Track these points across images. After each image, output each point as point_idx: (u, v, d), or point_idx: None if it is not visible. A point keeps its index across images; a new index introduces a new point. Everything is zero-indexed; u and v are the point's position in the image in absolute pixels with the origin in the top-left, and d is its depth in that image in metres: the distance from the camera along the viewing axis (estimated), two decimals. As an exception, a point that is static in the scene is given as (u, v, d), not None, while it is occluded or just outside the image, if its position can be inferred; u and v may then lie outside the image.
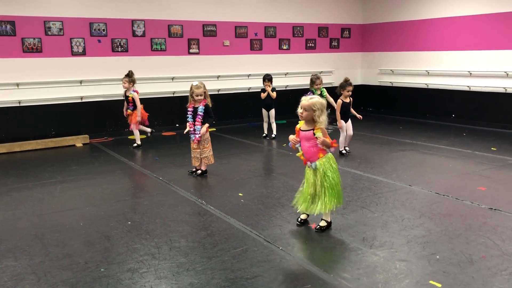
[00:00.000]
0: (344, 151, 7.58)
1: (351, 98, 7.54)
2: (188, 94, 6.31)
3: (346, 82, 7.44)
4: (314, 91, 8.08)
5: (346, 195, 5.54)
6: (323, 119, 4.17)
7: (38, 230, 4.56)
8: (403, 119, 11.53)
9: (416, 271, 3.56)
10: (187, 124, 6.34)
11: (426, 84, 11.37)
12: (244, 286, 3.35)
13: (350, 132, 7.57)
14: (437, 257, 3.79)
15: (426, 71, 11.32)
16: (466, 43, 10.43)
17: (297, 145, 4.39)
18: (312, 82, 8.18)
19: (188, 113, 6.31)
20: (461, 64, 10.58)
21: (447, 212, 4.88)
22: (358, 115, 7.80)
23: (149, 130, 8.76)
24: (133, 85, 8.37)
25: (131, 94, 8.32)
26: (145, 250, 4.02)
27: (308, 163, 4.33)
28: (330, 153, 4.32)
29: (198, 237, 4.29)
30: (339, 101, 7.46)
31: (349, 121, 7.58)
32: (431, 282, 3.38)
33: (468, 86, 10.44)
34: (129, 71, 8.40)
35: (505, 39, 9.67)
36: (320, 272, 3.58)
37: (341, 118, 7.47)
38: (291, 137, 4.39)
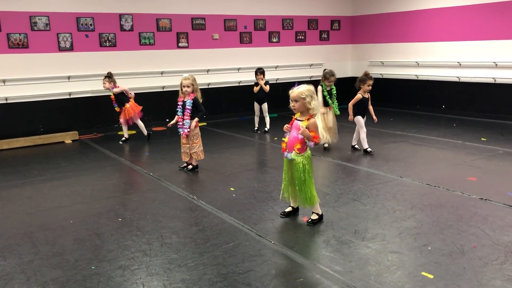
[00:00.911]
0: (369, 149, 7.09)
1: (369, 94, 7.13)
2: (178, 89, 6.28)
3: (366, 76, 6.98)
4: (323, 85, 7.42)
5: (338, 187, 5.54)
6: (314, 104, 4.16)
7: (27, 228, 4.50)
8: (393, 111, 11.55)
9: (408, 263, 3.57)
10: (176, 117, 6.29)
11: (416, 75, 11.40)
12: (236, 281, 3.33)
13: (363, 128, 7.15)
14: (429, 248, 3.80)
15: (416, 62, 11.33)
16: (455, 34, 10.45)
17: (287, 133, 4.37)
18: (325, 78, 7.41)
19: (178, 106, 6.26)
20: (450, 55, 10.61)
21: (438, 203, 4.89)
22: (374, 117, 7.27)
23: (125, 137, 8.63)
24: (113, 85, 8.34)
25: (111, 92, 8.34)
26: (136, 246, 3.98)
27: (285, 153, 4.34)
28: (308, 152, 4.30)
29: (189, 232, 4.27)
30: (358, 95, 7.04)
31: (365, 118, 7.18)
32: (423, 273, 3.39)
33: (457, 77, 10.47)
34: (108, 72, 8.40)
35: (494, 29, 9.69)
36: (313, 265, 3.57)
37: (359, 114, 7.06)
38: (285, 126, 4.38)
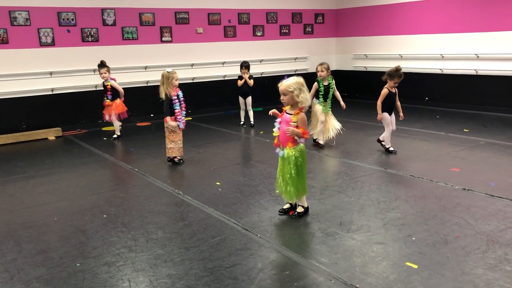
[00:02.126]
0: (392, 149, 6.69)
1: (396, 89, 6.65)
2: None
3: (397, 72, 6.44)
4: (319, 81, 7.16)
5: (323, 180, 5.56)
6: (303, 97, 4.12)
7: (10, 226, 4.44)
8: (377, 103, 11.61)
9: (393, 253, 3.61)
10: (176, 112, 6.25)
11: (399, 68, 11.46)
12: (223, 275, 3.34)
13: (393, 127, 6.72)
14: (413, 238, 3.85)
15: (399, 55, 11.41)
16: (437, 26, 10.54)
17: (277, 125, 4.34)
18: (316, 71, 7.21)
19: (175, 101, 6.22)
20: (433, 47, 10.70)
21: (422, 194, 4.95)
22: (401, 113, 6.80)
23: (117, 134, 8.50)
24: (109, 74, 8.22)
25: (110, 82, 8.16)
26: (122, 243, 3.96)
27: (277, 149, 4.34)
28: (302, 144, 4.30)
29: (175, 228, 4.25)
30: (385, 90, 6.54)
31: (393, 114, 6.71)
32: (407, 263, 3.43)
33: (440, 69, 10.58)
34: (102, 61, 8.21)
35: (476, 22, 9.80)
36: (299, 258, 3.59)
37: (385, 111, 6.57)
38: (273, 110, 4.40)
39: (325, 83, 7.20)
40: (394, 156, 6.56)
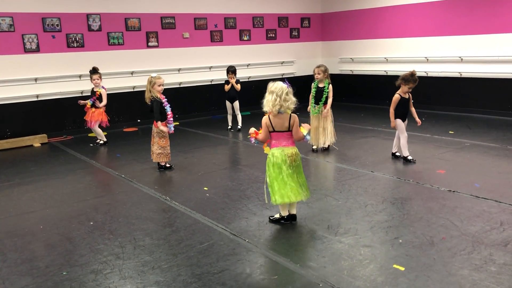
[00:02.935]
0: (410, 157, 6.31)
1: (410, 94, 6.36)
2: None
3: (412, 77, 6.13)
4: (314, 82, 7.12)
5: (310, 184, 5.57)
6: (265, 103, 4.12)
7: (-5, 235, 4.38)
8: (364, 106, 11.71)
9: (380, 256, 3.63)
10: (168, 114, 6.26)
11: (385, 71, 11.58)
12: (211, 281, 3.33)
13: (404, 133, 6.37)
14: (400, 241, 3.88)
15: (385, 58, 11.51)
16: (422, 30, 10.67)
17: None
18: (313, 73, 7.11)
19: (166, 103, 6.22)
20: (418, 50, 10.82)
21: (408, 196, 4.99)
22: (417, 119, 6.44)
23: (103, 140, 8.44)
24: (101, 81, 8.22)
25: (100, 89, 8.15)
26: (109, 250, 3.93)
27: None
28: (268, 150, 4.28)
29: (163, 234, 4.23)
30: (396, 96, 6.26)
31: (406, 121, 6.44)
32: (394, 266, 3.45)
33: (425, 72, 10.68)
34: (95, 67, 8.21)
35: (459, 25, 9.94)
36: (287, 262, 3.59)
37: (398, 117, 6.31)
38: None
39: (321, 85, 7.09)
40: (381, 159, 6.60)
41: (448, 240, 3.85)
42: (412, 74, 6.16)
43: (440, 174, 5.77)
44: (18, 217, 4.86)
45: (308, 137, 4.25)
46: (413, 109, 6.45)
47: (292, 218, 4.37)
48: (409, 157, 6.32)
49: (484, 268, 3.36)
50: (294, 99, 4.14)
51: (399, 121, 6.32)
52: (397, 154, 6.57)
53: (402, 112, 6.33)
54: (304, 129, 4.22)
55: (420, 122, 6.51)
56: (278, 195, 4.12)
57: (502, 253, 3.57)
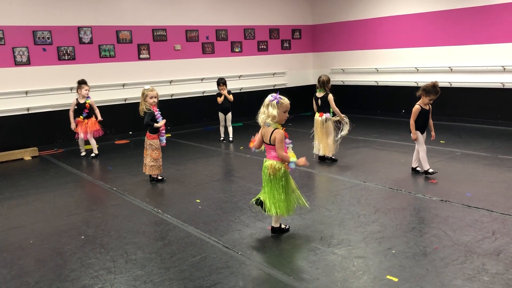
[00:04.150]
0: (431, 170, 6.06)
1: (430, 106, 6.14)
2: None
3: (434, 88, 5.91)
4: (316, 91, 7.13)
5: (303, 194, 5.53)
6: (259, 115, 4.17)
7: (-16, 251, 4.32)
8: (355, 117, 11.73)
9: (374, 267, 3.62)
10: (162, 123, 6.24)
11: (376, 81, 11.66)
12: (204, 295, 3.30)
13: (423, 146, 6.15)
14: (393, 251, 3.87)
15: (376, 69, 11.60)
16: (412, 40, 10.78)
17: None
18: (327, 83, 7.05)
19: (158, 116, 6.22)
20: (408, 61, 10.92)
21: (401, 206, 5.00)
22: (433, 132, 6.31)
23: (95, 153, 8.40)
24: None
25: (89, 100, 8.16)
26: (100, 264, 3.88)
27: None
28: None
29: (155, 247, 4.20)
30: (417, 106, 6.04)
31: (425, 134, 6.23)
32: (388, 276, 3.44)
33: (416, 82, 10.76)
34: (82, 79, 8.22)
35: (449, 36, 10.05)
36: (280, 274, 3.57)
37: (417, 129, 6.08)
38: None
39: (319, 95, 7.05)
40: (373, 169, 6.62)
41: (441, 250, 3.86)
42: (434, 85, 5.92)
43: (432, 183, 5.79)
44: (8, 232, 4.79)
45: (291, 165, 4.09)
46: (431, 122, 6.22)
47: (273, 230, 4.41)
48: (430, 170, 6.05)
49: (477, 278, 3.36)
50: (273, 113, 4.03)
51: (418, 133, 6.09)
52: (418, 169, 6.27)
53: (422, 124, 6.09)
54: (293, 157, 4.10)
55: (434, 136, 6.35)
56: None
57: (494, 263, 3.58)
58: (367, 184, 5.87)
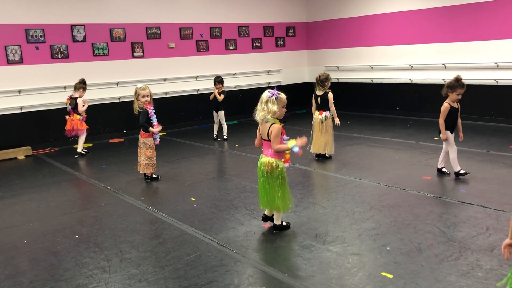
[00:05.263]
0: (463, 171, 5.78)
1: (459, 104, 5.84)
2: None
3: (457, 82, 5.63)
4: (317, 89, 7.02)
5: (298, 192, 5.57)
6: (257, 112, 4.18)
7: (-23, 251, 4.29)
8: (350, 114, 11.77)
9: (368, 264, 3.63)
10: (156, 126, 6.23)
11: (370, 78, 11.68)
12: (199, 293, 3.29)
13: (453, 147, 5.81)
14: (388, 248, 3.88)
15: (370, 66, 11.62)
16: (406, 38, 10.80)
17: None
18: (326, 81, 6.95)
19: (152, 114, 6.19)
20: (402, 58, 10.94)
21: (395, 203, 5.01)
22: (461, 133, 5.97)
23: (85, 151, 8.43)
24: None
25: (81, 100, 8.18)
26: (95, 263, 3.87)
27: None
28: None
29: (149, 246, 4.18)
30: (445, 105, 5.73)
31: (454, 133, 5.86)
32: (383, 273, 3.45)
33: (410, 79, 10.80)
34: (83, 79, 8.25)
35: (442, 33, 10.08)
36: (275, 272, 3.57)
37: (447, 129, 5.75)
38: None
39: (318, 93, 6.99)
40: (367, 166, 6.63)
41: (436, 246, 3.87)
42: (457, 79, 5.65)
43: (426, 180, 5.81)
44: (1, 232, 4.76)
45: (295, 149, 4.04)
46: (459, 121, 5.88)
47: (264, 217, 4.51)
48: (461, 171, 5.78)
49: (471, 274, 3.37)
50: (274, 109, 4.05)
51: (448, 133, 5.76)
52: (444, 170, 5.97)
53: (451, 123, 5.76)
54: (292, 142, 4.06)
55: (463, 137, 6.00)
56: (260, 201, 4.37)
57: (488, 258, 3.59)
58: (362, 181, 5.87)
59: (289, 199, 4.32)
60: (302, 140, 4.07)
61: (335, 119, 6.96)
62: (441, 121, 5.73)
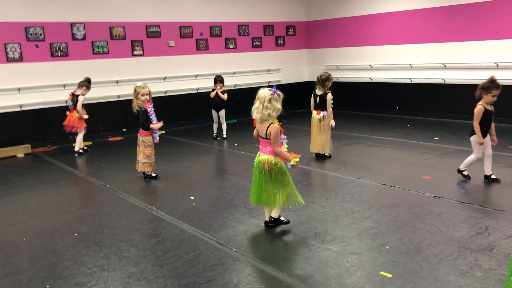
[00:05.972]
0: (466, 173, 5.70)
1: (493, 106, 5.52)
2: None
3: (492, 83, 5.32)
4: (317, 88, 7.03)
5: (297, 191, 5.55)
6: (252, 109, 4.18)
7: (-24, 249, 4.29)
8: (349, 113, 11.77)
9: (367, 263, 3.63)
10: (156, 124, 6.22)
11: (370, 78, 11.68)
12: (198, 292, 3.29)
13: (489, 151, 5.54)
14: (387, 247, 3.88)
15: (370, 65, 11.61)
16: (406, 37, 10.79)
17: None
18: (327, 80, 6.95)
19: (151, 112, 6.18)
20: (402, 58, 10.94)
21: (394, 202, 5.01)
22: (494, 136, 5.58)
23: (82, 149, 8.45)
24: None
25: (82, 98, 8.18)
26: (94, 262, 3.87)
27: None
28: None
29: (148, 244, 4.18)
30: (479, 107, 5.42)
31: (488, 136, 5.54)
32: (382, 273, 3.45)
33: (409, 79, 10.80)
34: (88, 78, 8.30)
35: (442, 32, 10.07)
36: (274, 271, 3.57)
37: (481, 132, 5.45)
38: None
39: (318, 93, 7.00)
40: (367, 165, 6.63)
41: (434, 246, 3.87)
42: (492, 80, 5.35)
43: (426, 180, 5.81)
44: (0, 230, 4.76)
45: (288, 166, 4.18)
46: (493, 125, 5.55)
47: (266, 224, 4.45)
48: (465, 173, 5.71)
49: (470, 274, 3.37)
50: (278, 106, 4.08)
51: (474, 136, 5.50)
52: (493, 177, 5.58)
53: (485, 127, 5.44)
54: (294, 159, 4.17)
55: (496, 141, 5.62)
56: (252, 197, 4.35)
57: (487, 258, 3.60)
58: (361, 181, 5.88)
59: (296, 195, 4.31)
60: (296, 168, 4.23)
61: (331, 121, 6.95)
62: (476, 124, 5.42)
